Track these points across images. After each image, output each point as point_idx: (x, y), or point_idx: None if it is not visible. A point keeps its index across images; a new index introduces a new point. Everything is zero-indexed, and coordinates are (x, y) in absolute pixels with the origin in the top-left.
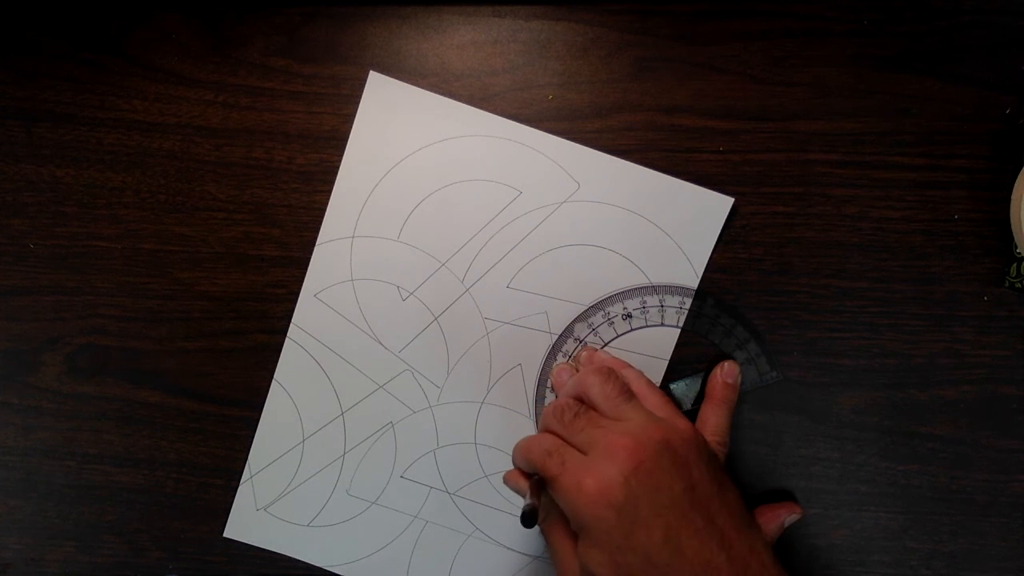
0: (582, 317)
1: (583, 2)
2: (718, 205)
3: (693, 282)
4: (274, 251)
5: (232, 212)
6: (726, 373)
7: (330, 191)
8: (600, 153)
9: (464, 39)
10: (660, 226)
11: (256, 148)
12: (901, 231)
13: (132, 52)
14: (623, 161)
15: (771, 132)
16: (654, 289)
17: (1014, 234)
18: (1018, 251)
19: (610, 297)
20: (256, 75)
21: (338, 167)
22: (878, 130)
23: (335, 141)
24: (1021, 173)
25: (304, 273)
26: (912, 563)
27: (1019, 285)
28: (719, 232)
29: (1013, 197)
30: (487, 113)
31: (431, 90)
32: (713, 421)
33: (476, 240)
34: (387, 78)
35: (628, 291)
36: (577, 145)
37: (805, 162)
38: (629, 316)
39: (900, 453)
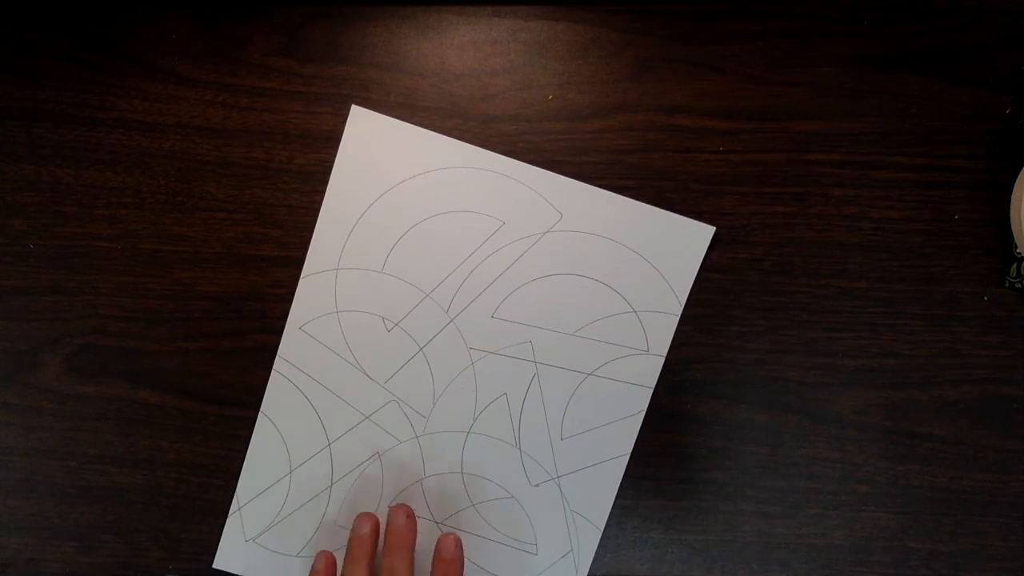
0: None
1: (583, 2)
2: (699, 234)
3: (676, 309)
4: (274, 251)
5: (232, 212)
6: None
7: None
8: (582, 184)
9: (464, 39)
10: (642, 255)
11: (256, 148)
12: (901, 231)
13: (132, 52)
14: (605, 191)
15: (771, 132)
16: (636, 317)
17: (1014, 234)
18: (1018, 251)
19: (593, 324)
20: (256, 75)
21: None
22: (878, 130)
23: (335, 141)
24: (1021, 173)
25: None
26: (912, 563)
27: (1019, 285)
28: (701, 260)
29: (1013, 197)
30: (469, 145)
31: (431, 90)
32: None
33: (460, 271)
34: (369, 112)
35: (611, 319)
36: (559, 176)
37: (805, 162)
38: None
39: (900, 453)
